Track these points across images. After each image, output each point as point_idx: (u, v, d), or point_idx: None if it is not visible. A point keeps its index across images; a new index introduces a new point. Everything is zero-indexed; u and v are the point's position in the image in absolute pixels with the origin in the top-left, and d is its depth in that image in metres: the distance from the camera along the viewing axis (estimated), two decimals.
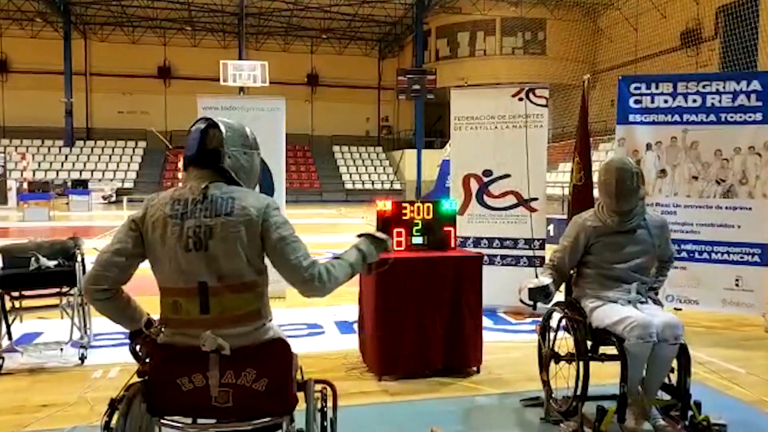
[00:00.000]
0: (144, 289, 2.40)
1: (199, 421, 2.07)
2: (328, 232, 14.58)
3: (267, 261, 2.07)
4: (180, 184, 2.14)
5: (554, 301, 3.41)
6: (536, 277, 3.48)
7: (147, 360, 2.02)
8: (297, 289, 2.06)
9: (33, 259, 4.36)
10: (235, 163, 2.08)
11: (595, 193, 3.67)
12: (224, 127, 2.08)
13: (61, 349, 4.47)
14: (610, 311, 3.13)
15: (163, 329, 2.04)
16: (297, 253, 2.00)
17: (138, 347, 2.10)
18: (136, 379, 2.01)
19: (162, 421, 2.01)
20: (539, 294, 3.27)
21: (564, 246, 3.40)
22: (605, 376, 3.41)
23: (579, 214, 3.52)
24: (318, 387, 2.18)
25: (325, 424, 2.19)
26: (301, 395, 2.10)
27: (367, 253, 2.22)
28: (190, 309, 1.97)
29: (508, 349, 4.84)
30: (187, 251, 1.95)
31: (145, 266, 2.12)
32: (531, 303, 3.31)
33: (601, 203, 3.35)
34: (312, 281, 2.00)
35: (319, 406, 2.16)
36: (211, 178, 2.04)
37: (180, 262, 1.96)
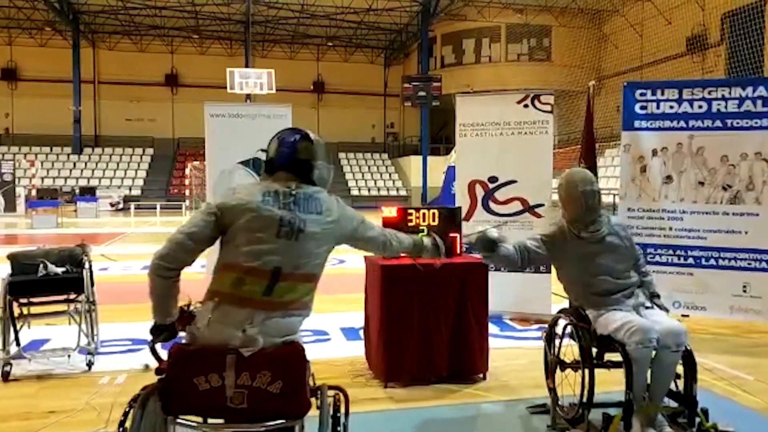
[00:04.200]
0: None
1: (209, 420, 2.09)
2: None
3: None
4: (263, 183, 2.27)
5: (558, 307, 3.40)
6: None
7: (166, 357, 2.04)
8: (379, 254, 2.62)
9: (41, 265, 4.39)
10: (320, 175, 2.33)
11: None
12: (314, 142, 2.31)
13: (69, 356, 4.49)
14: (612, 317, 3.14)
15: (213, 302, 2.07)
16: (371, 231, 2.46)
17: (176, 326, 2.13)
18: (149, 380, 2.04)
19: (177, 420, 2.02)
20: (483, 245, 3.28)
21: (541, 239, 3.40)
22: (611, 383, 3.39)
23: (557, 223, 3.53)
24: (330, 393, 2.20)
25: (339, 429, 2.20)
26: (312, 401, 2.11)
27: (423, 247, 2.68)
28: (254, 289, 2.06)
29: (514, 355, 4.83)
30: (278, 237, 2.08)
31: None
32: (476, 251, 3.38)
33: (566, 223, 3.37)
34: (386, 247, 2.52)
35: (331, 412, 2.17)
36: (298, 181, 2.26)
37: (264, 245, 2.06)
